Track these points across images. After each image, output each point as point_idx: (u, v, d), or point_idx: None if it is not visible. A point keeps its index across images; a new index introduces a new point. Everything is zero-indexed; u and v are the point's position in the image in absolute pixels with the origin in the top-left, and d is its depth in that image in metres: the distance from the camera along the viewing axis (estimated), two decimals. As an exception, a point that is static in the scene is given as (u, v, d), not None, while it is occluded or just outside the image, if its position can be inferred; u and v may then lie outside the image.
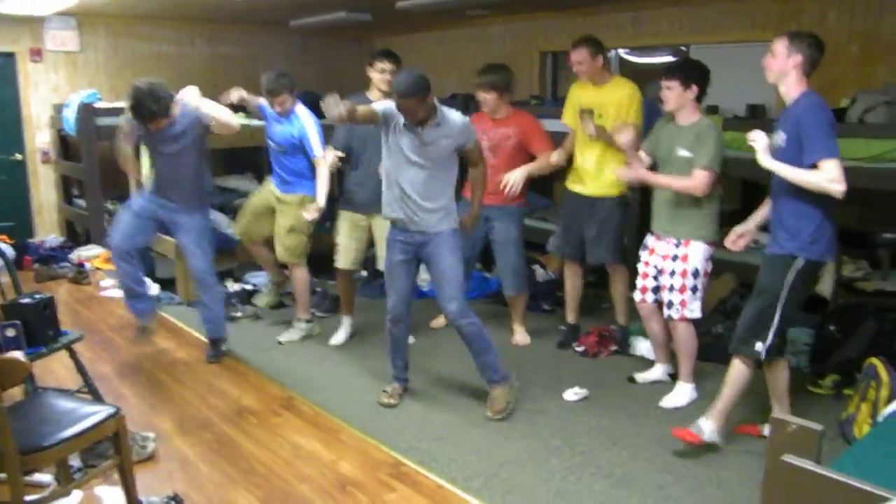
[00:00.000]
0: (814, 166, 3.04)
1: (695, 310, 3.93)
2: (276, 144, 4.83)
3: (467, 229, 4.04)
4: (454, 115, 3.76)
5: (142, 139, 4.64)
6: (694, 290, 3.91)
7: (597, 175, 4.58)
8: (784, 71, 3.18)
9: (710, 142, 3.77)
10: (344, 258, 4.85)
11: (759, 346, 3.31)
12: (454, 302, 3.79)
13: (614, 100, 4.46)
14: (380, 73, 4.62)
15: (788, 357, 3.57)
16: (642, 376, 4.35)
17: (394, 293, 3.96)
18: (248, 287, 6.07)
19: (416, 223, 3.79)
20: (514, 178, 4.58)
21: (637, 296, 4.19)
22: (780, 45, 3.18)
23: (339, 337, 5.06)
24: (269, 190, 4.98)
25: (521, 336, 5.03)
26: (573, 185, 4.72)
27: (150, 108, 4.17)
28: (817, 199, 3.11)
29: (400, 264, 3.91)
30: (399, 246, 3.88)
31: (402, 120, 3.67)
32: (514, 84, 4.87)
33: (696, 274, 3.90)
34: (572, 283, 4.90)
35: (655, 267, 4.05)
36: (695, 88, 3.83)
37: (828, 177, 3.01)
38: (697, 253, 3.89)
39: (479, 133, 4.31)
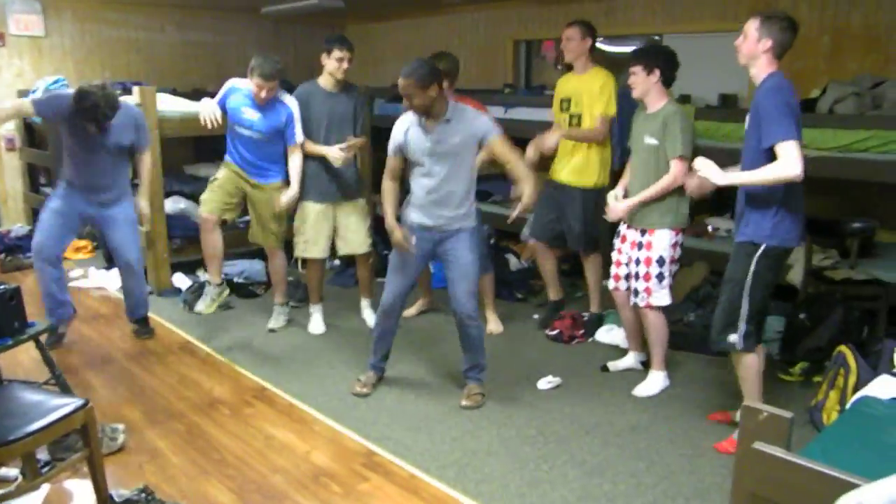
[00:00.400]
0: (771, 150, 3.02)
1: (661, 298, 3.94)
2: (255, 132, 4.61)
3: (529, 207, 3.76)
4: (468, 112, 3.71)
5: (67, 129, 4.37)
6: (660, 277, 3.92)
7: (573, 162, 4.68)
8: (754, 54, 3.15)
9: (677, 129, 3.76)
10: (315, 248, 4.82)
11: (732, 337, 3.33)
12: (469, 299, 3.80)
13: (588, 88, 4.56)
14: (337, 62, 4.55)
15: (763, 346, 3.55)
16: (614, 364, 4.37)
17: (394, 285, 3.90)
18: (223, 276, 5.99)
19: (437, 222, 3.79)
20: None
21: (611, 284, 4.21)
22: (752, 27, 3.14)
23: (318, 326, 5.04)
24: (239, 175, 4.74)
25: (494, 324, 5.02)
26: (550, 174, 4.85)
27: (106, 115, 4.18)
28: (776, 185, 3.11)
29: (412, 257, 3.83)
30: (416, 241, 3.81)
31: (410, 130, 3.71)
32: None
33: (661, 262, 3.91)
34: (548, 263, 5.05)
35: (627, 255, 4.06)
36: (657, 73, 3.82)
37: (782, 164, 2.98)
38: (662, 240, 3.90)
39: None
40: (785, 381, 4.18)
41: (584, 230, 4.73)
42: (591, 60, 4.68)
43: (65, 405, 2.69)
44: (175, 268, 5.98)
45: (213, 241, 4.76)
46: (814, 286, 4.66)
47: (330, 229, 4.86)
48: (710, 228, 5.56)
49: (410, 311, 5.24)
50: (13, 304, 3.44)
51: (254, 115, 4.58)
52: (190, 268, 6.11)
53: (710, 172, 3.17)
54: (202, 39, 8.82)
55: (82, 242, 7.07)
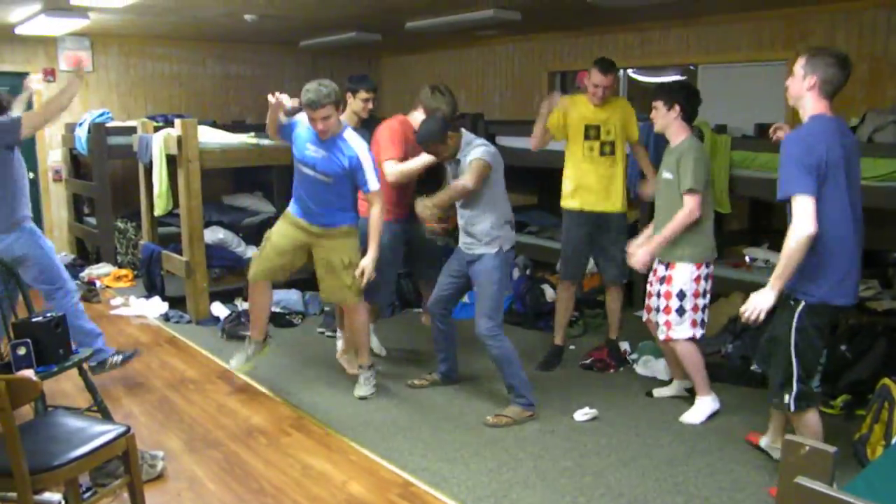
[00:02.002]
0: (789, 202, 2.88)
1: (682, 331, 3.92)
2: (319, 173, 4.09)
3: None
4: (474, 147, 3.97)
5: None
6: (680, 311, 3.90)
7: (602, 191, 4.61)
8: (800, 93, 2.97)
9: (690, 162, 3.75)
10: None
11: (786, 398, 3.17)
12: (483, 319, 3.96)
13: (620, 117, 4.57)
14: (363, 102, 4.66)
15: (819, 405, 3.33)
16: (659, 392, 4.36)
17: (438, 284, 4.31)
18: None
19: (466, 247, 4.11)
20: None
21: (644, 314, 4.21)
22: (798, 65, 2.97)
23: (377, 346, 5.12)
24: (298, 227, 4.25)
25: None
26: (572, 203, 4.69)
27: None
28: (827, 236, 2.90)
29: (449, 271, 4.26)
30: (455, 258, 4.24)
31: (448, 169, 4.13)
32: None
33: (681, 295, 3.90)
34: (565, 305, 4.88)
35: (654, 288, 4.10)
36: (677, 108, 3.84)
37: (794, 225, 2.82)
38: (682, 275, 3.89)
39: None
40: (826, 415, 4.10)
41: (622, 256, 4.46)
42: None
43: (107, 432, 2.74)
44: (213, 297, 6.06)
45: (261, 302, 4.43)
46: (855, 317, 4.58)
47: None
48: (747, 259, 5.52)
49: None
50: (59, 332, 3.52)
51: (316, 153, 4.07)
52: (228, 297, 6.19)
53: (759, 303, 2.99)
54: (242, 73, 9.01)
55: (123, 271, 7.20)
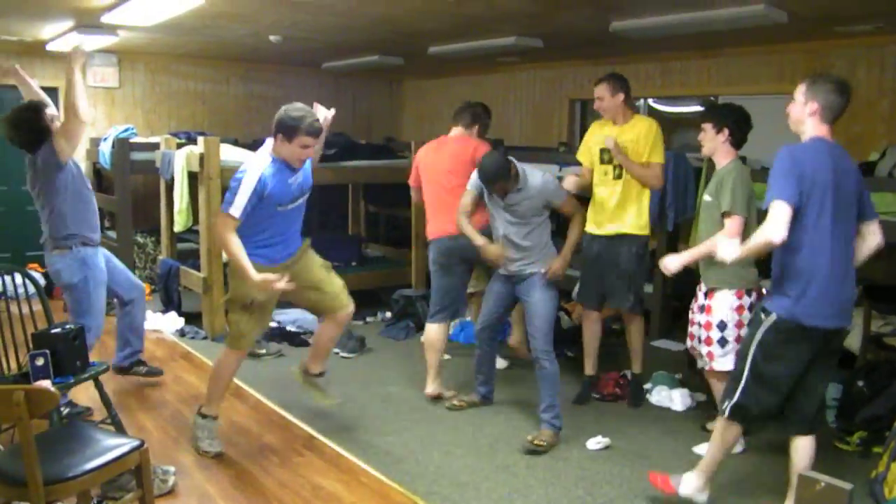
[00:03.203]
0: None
1: (725, 363, 3.77)
2: (301, 197, 3.89)
3: (556, 274, 4.19)
4: (534, 179, 4.10)
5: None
6: (721, 342, 3.78)
7: (618, 215, 4.49)
8: (800, 119, 3.00)
9: (728, 185, 3.63)
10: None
11: (726, 402, 3.14)
12: (544, 339, 4.08)
13: (631, 137, 4.42)
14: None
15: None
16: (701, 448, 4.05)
17: (485, 310, 4.39)
18: (273, 324, 6.09)
19: (518, 267, 4.18)
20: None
21: (688, 342, 4.08)
22: (799, 91, 3.00)
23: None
24: (279, 270, 3.76)
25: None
26: (589, 227, 4.58)
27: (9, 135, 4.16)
28: (804, 253, 2.90)
29: (496, 291, 4.34)
30: (501, 277, 4.30)
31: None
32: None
33: (721, 326, 3.78)
34: (591, 333, 4.75)
35: (695, 317, 3.97)
36: (726, 132, 3.75)
37: (765, 226, 2.82)
38: (723, 304, 3.77)
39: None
40: (842, 451, 4.05)
41: (632, 284, 4.52)
42: (630, 108, 4.55)
43: (121, 445, 2.76)
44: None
45: (233, 372, 4.10)
46: (873, 353, 4.54)
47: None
48: (764, 291, 5.48)
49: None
50: (76, 343, 3.55)
51: (295, 180, 3.78)
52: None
53: (724, 250, 3.02)
54: (264, 92, 9.12)
55: (141, 285, 7.25)
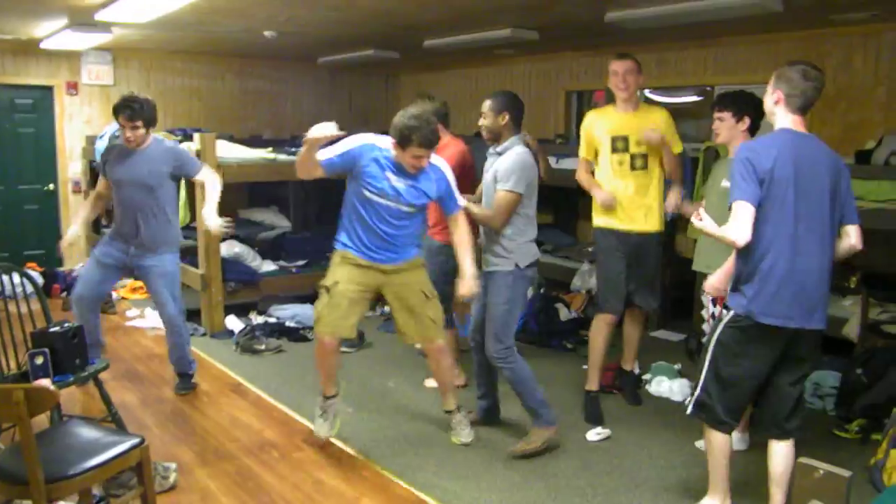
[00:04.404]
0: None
1: None
2: (403, 204, 3.66)
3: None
4: (512, 157, 3.70)
5: (105, 165, 4.45)
6: None
7: (637, 209, 4.18)
8: (770, 109, 2.93)
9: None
10: None
11: (688, 400, 3.09)
12: (491, 341, 3.77)
13: (654, 124, 4.12)
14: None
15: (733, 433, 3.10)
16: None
17: (474, 310, 4.05)
18: (272, 320, 6.11)
19: (483, 262, 3.87)
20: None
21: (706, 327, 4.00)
22: (770, 82, 2.93)
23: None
24: (364, 266, 3.74)
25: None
26: (604, 221, 4.25)
27: (134, 101, 4.22)
28: (762, 249, 2.80)
29: (480, 295, 3.86)
30: (482, 278, 3.87)
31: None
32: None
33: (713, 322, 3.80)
34: (603, 341, 4.34)
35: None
36: (747, 120, 3.65)
37: (728, 225, 2.76)
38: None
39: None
40: (841, 439, 4.07)
41: (657, 280, 4.36)
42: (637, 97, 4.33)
43: (121, 443, 2.76)
44: (228, 310, 6.10)
45: (332, 363, 3.89)
46: (871, 341, 4.55)
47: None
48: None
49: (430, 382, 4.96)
50: (75, 342, 3.56)
51: (399, 182, 3.61)
52: (243, 310, 6.22)
53: (703, 224, 2.92)
54: (260, 88, 9.10)
55: (139, 283, 7.25)
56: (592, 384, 4.38)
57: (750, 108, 3.64)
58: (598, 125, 4.26)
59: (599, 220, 4.29)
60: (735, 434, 3.75)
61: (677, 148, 4.21)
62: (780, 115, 2.88)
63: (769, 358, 2.91)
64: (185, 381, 4.78)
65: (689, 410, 3.06)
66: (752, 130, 3.70)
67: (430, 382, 4.68)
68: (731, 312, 2.92)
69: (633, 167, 4.16)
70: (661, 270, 5.48)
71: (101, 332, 4.72)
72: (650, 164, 4.17)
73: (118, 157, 4.38)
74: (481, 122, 3.82)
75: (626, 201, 4.18)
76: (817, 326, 2.88)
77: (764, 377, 2.95)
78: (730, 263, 3.11)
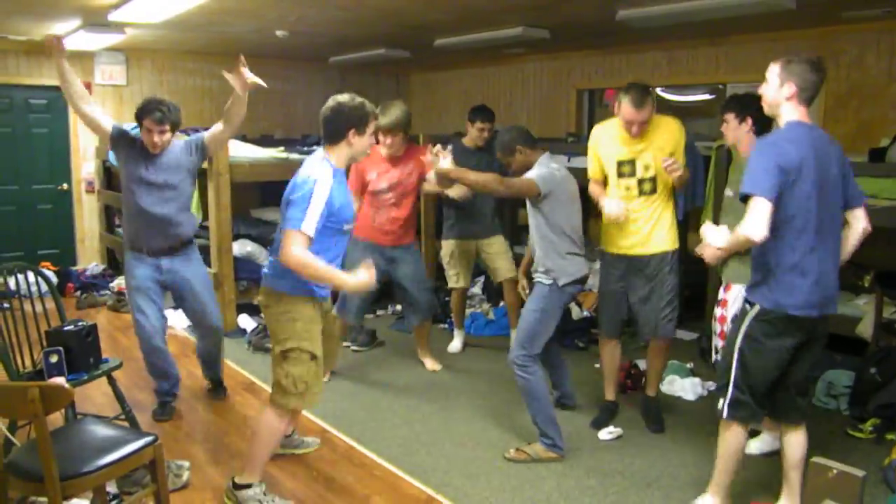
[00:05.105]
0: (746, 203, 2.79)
1: None
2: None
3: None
4: (540, 167, 3.78)
5: (124, 166, 4.13)
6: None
7: (642, 235, 3.93)
8: (777, 101, 2.90)
9: None
10: (456, 280, 5.37)
11: (720, 402, 3.06)
12: (516, 346, 3.79)
13: (659, 145, 3.85)
14: (478, 132, 5.24)
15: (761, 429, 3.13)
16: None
17: None
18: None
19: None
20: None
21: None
22: (773, 73, 2.89)
23: (457, 345, 5.60)
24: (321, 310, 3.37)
25: (431, 363, 5.21)
26: (611, 246, 4.06)
27: (164, 105, 4.05)
28: (788, 243, 2.82)
29: None
30: None
31: None
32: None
33: (735, 320, 3.78)
34: (611, 359, 4.25)
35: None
36: (749, 122, 3.67)
37: (745, 223, 2.74)
38: (737, 298, 3.70)
39: (372, 176, 4.70)
40: (855, 438, 4.04)
41: (671, 306, 3.99)
42: None
43: (135, 440, 2.78)
44: (240, 309, 6.12)
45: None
46: (885, 340, 4.52)
47: (470, 263, 5.38)
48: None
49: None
50: (89, 340, 3.59)
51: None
52: (255, 309, 6.23)
53: (711, 237, 2.94)
54: (271, 87, 9.02)
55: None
56: (608, 394, 4.32)
57: (752, 110, 3.64)
58: (604, 146, 3.98)
59: (602, 241, 4.11)
60: (767, 436, 3.83)
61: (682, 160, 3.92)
62: (790, 109, 2.88)
63: (793, 347, 2.95)
64: (222, 388, 4.72)
65: (724, 414, 3.04)
66: (759, 131, 3.68)
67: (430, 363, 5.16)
68: (758, 307, 2.93)
69: (640, 192, 3.90)
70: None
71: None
72: (659, 186, 3.91)
73: (138, 159, 4.10)
74: (511, 169, 3.91)
75: (635, 226, 3.93)
76: (833, 311, 2.97)
77: (786, 366, 2.98)
78: (734, 238, 3.11)
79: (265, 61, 8.96)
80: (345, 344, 5.68)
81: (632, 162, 3.87)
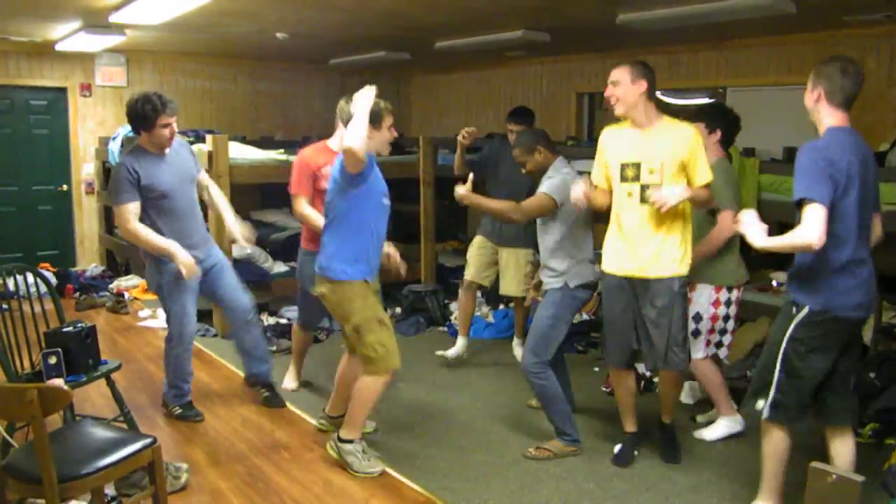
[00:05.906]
0: (800, 208, 2.77)
1: (694, 351, 3.86)
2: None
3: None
4: (554, 175, 3.85)
5: (146, 178, 3.95)
6: (695, 333, 3.87)
7: (645, 251, 3.49)
8: (811, 107, 2.90)
9: (718, 182, 3.59)
10: (466, 270, 5.31)
11: (760, 403, 3.07)
12: (528, 354, 3.81)
13: (671, 149, 3.41)
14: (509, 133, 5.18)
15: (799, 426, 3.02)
16: (701, 433, 4.14)
17: None
18: (284, 321, 6.13)
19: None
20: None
21: None
22: (809, 80, 2.89)
23: (451, 350, 5.36)
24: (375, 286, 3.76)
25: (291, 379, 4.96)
26: (607, 265, 3.65)
27: (162, 99, 3.90)
28: (837, 245, 2.81)
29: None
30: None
31: None
32: None
33: (697, 318, 3.87)
34: (625, 390, 3.85)
35: None
36: (718, 133, 3.81)
37: (801, 229, 2.71)
38: (701, 297, 3.86)
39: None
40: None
41: (681, 334, 3.56)
42: (656, 107, 3.55)
43: (134, 442, 2.78)
44: (240, 311, 6.11)
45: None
46: (884, 344, 4.52)
47: (488, 263, 5.27)
48: (774, 283, 5.45)
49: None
50: (88, 342, 3.58)
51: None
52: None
53: (750, 231, 2.87)
54: (272, 90, 9.13)
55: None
56: (627, 426, 3.91)
57: (721, 122, 3.83)
58: (611, 146, 3.62)
59: (603, 261, 3.68)
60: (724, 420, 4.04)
61: (705, 177, 3.44)
62: (825, 113, 2.87)
63: (840, 348, 2.95)
64: (277, 396, 4.56)
65: (765, 415, 3.03)
66: (725, 143, 3.87)
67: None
68: (806, 309, 2.91)
69: (643, 199, 3.44)
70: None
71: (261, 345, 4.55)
72: None
73: (152, 168, 3.97)
74: (526, 169, 3.96)
75: (633, 240, 3.50)
76: (873, 312, 3.03)
77: (831, 367, 2.97)
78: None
79: (266, 64, 8.99)
80: (343, 346, 5.68)
81: (636, 165, 3.45)
